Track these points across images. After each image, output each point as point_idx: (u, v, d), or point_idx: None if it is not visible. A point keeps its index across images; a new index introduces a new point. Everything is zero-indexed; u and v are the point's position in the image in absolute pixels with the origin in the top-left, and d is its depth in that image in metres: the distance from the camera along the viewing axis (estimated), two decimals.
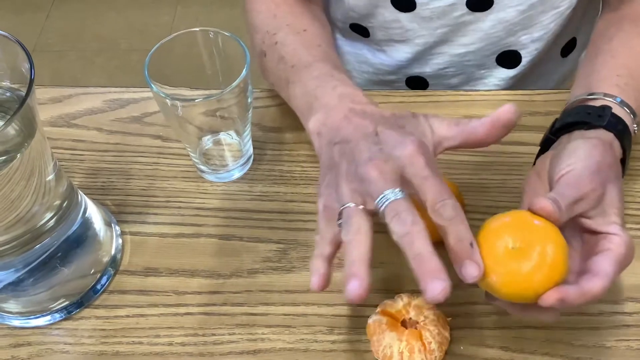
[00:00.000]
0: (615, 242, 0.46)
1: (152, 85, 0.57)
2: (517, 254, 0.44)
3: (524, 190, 0.52)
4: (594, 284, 0.44)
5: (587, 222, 0.48)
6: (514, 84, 0.78)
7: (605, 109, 0.52)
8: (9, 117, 0.44)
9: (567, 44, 0.78)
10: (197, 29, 0.59)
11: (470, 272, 0.42)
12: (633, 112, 0.54)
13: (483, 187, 0.63)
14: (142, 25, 1.93)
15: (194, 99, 0.57)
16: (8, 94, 0.49)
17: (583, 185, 0.47)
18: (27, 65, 0.45)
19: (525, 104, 0.69)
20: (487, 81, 0.78)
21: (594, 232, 0.47)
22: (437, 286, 0.40)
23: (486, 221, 0.47)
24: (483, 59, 0.75)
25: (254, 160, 0.66)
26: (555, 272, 0.44)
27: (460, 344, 0.54)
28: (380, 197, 0.43)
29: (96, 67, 1.86)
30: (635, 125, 0.54)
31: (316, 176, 0.56)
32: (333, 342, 0.54)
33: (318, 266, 0.45)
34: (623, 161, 0.52)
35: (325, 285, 0.45)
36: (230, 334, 0.55)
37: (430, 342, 0.50)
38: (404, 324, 0.52)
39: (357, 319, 0.55)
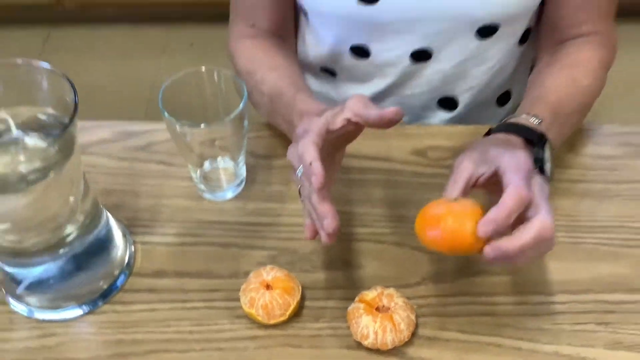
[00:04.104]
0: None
1: (166, 114, 0.67)
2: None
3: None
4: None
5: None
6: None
7: (543, 138, 0.64)
8: (50, 138, 0.54)
9: (503, 95, 0.91)
10: (203, 68, 0.70)
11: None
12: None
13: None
14: (129, 74, 2.02)
15: (199, 125, 0.67)
16: (52, 120, 0.59)
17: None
18: (72, 96, 0.56)
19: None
20: (430, 121, 0.91)
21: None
22: (323, 238, 0.58)
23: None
24: (426, 101, 0.88)
25: (246, 182, 0.77)
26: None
27: (424, 327, 0.64)
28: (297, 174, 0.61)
29: (83, 114, 1.94)
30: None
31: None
32: (319, 328, 0.64)
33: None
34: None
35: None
36: (230, 324, 0.65)
37: (400, 323, 0.61)
38: (378, 309, 0.62)
39: (338, 310, 0.65)
